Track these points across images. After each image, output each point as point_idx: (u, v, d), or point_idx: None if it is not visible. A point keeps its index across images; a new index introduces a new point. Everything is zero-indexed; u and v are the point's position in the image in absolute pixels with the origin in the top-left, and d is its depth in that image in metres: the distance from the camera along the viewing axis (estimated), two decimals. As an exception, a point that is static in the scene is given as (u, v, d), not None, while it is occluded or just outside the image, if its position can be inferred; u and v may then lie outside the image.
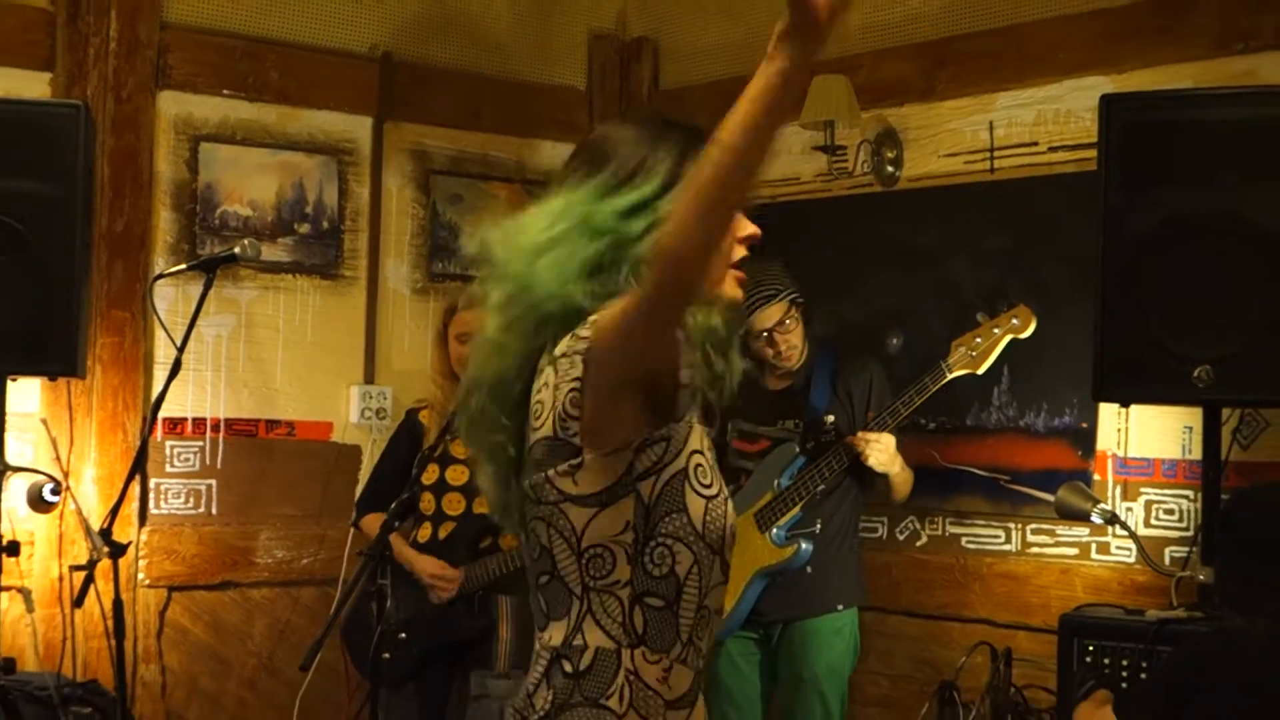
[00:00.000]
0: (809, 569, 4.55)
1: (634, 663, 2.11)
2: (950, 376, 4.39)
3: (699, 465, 2.13)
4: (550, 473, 2.11)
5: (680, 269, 1.92)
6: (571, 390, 2.07)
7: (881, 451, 4.40)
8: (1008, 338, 4.38)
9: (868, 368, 4.70)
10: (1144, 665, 3.86)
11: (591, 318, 2.08)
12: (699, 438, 2.15)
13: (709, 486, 2.14)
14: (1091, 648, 3.96)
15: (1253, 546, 3.05)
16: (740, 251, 2.23)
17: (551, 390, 2.11)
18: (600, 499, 2.09)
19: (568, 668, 2.11)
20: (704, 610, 2.16)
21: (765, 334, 4.57)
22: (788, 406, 4.67)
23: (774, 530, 4.54)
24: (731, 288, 2.23)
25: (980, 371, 4.42)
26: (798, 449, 4.58)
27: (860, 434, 4.41)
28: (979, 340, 4.38)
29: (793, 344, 4.62)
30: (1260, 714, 2.85)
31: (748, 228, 2.23)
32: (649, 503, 2.10)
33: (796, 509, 4.53)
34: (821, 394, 4.63)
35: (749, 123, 1.87)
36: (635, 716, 2.09)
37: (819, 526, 4.56)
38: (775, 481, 4.57)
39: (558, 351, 2.11)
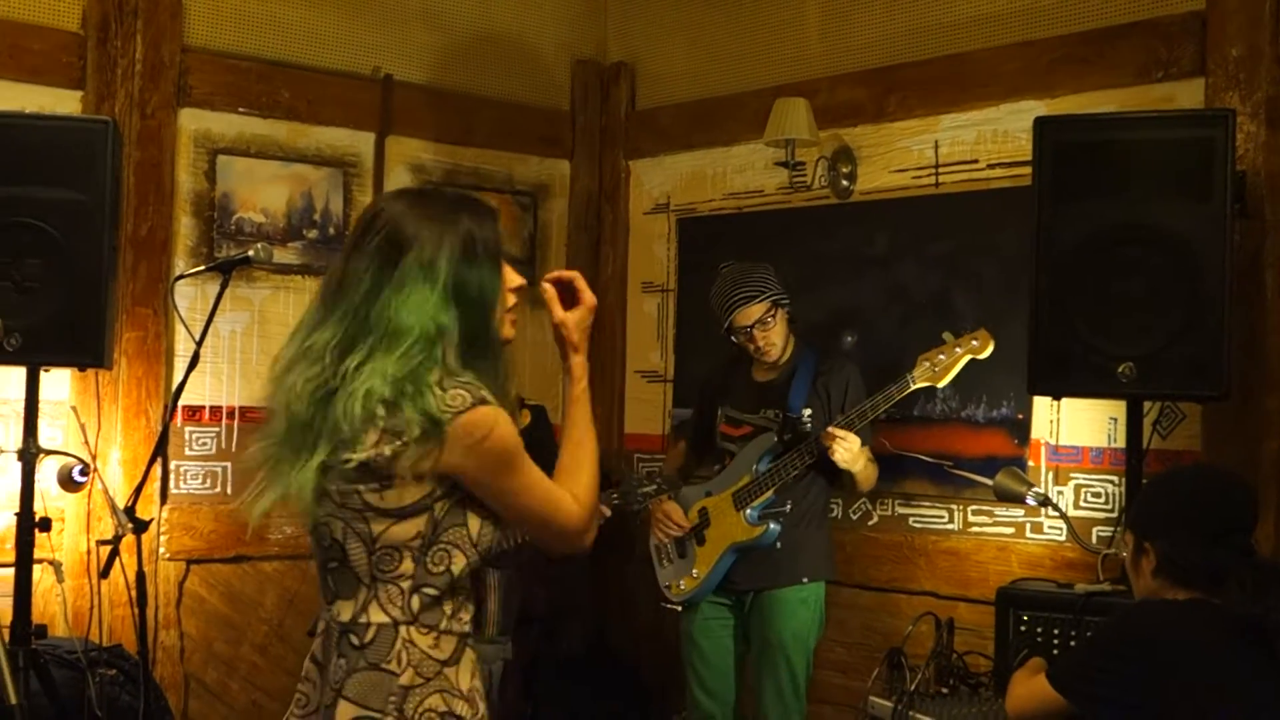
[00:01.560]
0: (779, 544, 4.56)
1: (410, 634, 2.36)
2: (914, 387, 4.39)
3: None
4: (361, 487, 2.31)
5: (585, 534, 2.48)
6: (407, 445, 2.27)
7: (846, 450, 4.39)
8: (967, 357, 4.37)
9: (845, 369, 4.68)
10: (1073, 633, 3.89)
11: (456, 404, 2.29)
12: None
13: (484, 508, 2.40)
14: (1026, 617, 3.98)
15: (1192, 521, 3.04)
16: (512, 299, 2.47)
17: (378, 431, 2.27)
18: (400, 513, 2.32)
19: (355, 640, 2.36)
20: (461, 593, 2.42)
21: (745, 330, 4.58)
22: (770, 398, 4.68)
23: (748, 510, 4.55)
24: (508, 330, 2.48)
25: (940, 385, 4.41)
26: (776, 438, 4.59)
27: (830, 429, 4.41)
28: (942, 357, 4.37)
29: (772, 341, 4.61)
30: (1184, 671, 2.86)
31: (515, 280, 2.48)
32: (439, 518, 2.35)
33: (770, 492, 4.54)
34: (801, 390, 4.62)
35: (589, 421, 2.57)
36: (414, 673, 2.35)
37: (789, 506, 4.57)
38: (754, 466, 4.58)
39: (404, 407, 2.27)
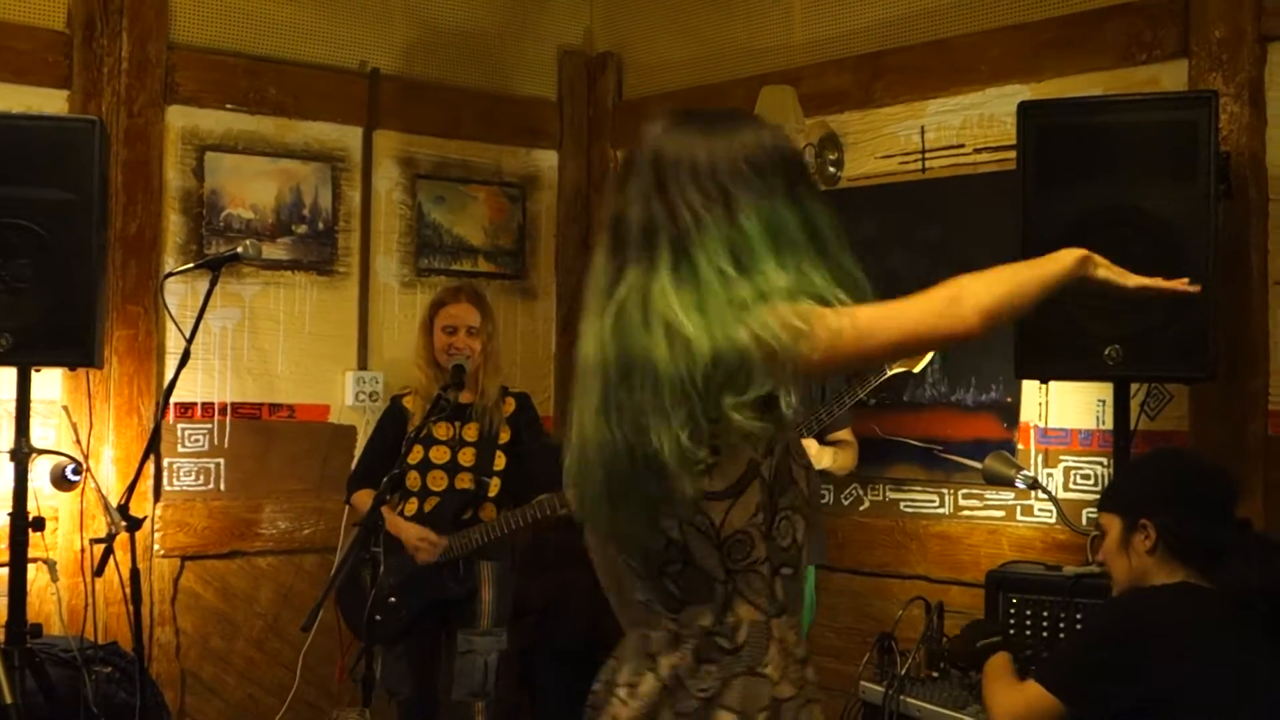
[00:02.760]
0: None
1: (780, 631, 2.13)
2: (890, 373, 4.41)
3: (793, 440, 2.15)
4: (686, 475, 2.05)
5: (972, 324, 2.08)
6: (752, 390, 2.02)
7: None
8: None
9: None
10: (1062, 615, 3.91)
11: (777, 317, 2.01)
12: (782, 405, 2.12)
13: (802, 455, 2.19)
14: (1015, 600, 4.00)
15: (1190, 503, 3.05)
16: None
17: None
18: (733, 490, 2.07)
19: (724, 644, 2.10)
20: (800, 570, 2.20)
21: None
22: None
23: None
24: None
25: (916, 370, 4.45)
26: None
27: None
28: None
29: None
30: (1185, 656, 2.86)
31: None
32: (770, 482, 2.10)
33: None
34: None
35: (1045, 289, 2.18)
36: (787, 683, 2.13)
37: None
38: None
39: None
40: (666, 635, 2.13)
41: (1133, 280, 2.29)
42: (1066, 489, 4.57)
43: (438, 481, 4.85)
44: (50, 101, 4.91)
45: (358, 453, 5.35)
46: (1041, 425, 4.65)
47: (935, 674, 3.94)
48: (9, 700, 3.61)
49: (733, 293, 2.02)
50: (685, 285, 2.04)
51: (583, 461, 2.14)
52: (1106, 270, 2.26)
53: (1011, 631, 3.95)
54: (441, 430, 4.88)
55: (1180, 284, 2.41)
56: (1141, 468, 3.33)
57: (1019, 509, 4.72)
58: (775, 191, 2.10)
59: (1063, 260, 2.20)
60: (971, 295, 2.08)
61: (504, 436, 4.94)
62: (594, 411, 2.10)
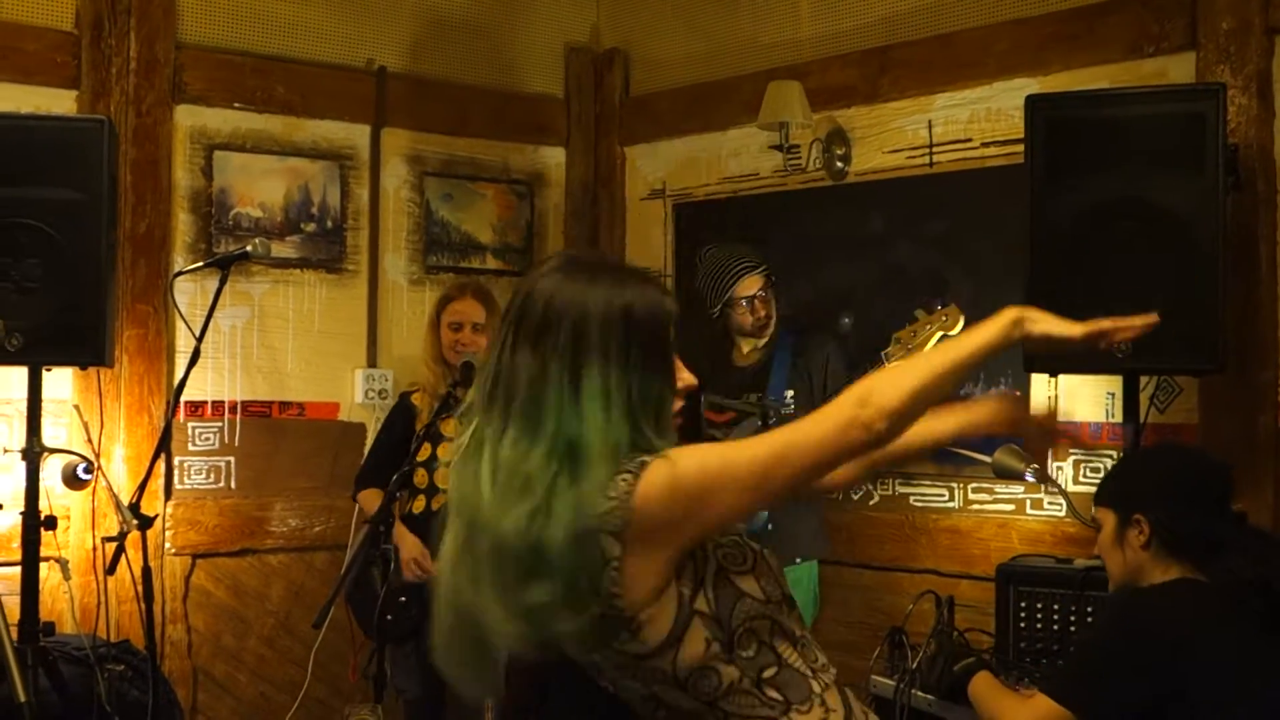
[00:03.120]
0: (769, 526, 4.57)
1: (799, 714, 2.06)
2: (888, 366, 4.42)
3: (726, 553, 2.08)
4: (616, 646, 2.02)
5: (878, 431, 1.94)
6: (610, 568, 1.95)
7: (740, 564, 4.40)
8: (939, 333, 4.39)
9: (825, 345, 4.71)
10: (1073, 608, 3.90)
11: (621, 488, 1.96)
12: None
13: (743, 562, 2.09)
14: (1026, 593, 4.00)
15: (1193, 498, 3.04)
16: (679, 402, 2.15)
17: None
18: (672, 640, 2.01)
19: None
20: (803, 640, 2.11)
21: (747, 300, 4.59)
22: (752, 381, 4.69)
23: None
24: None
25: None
26: (761, 423, 4.61)
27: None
28: (915, 334, 4.40)
29: (770, 314, 4.65)
30: (1194, 653, 2.86)
31: (687, 378, 2.17)
32: (713, 612, 2.03)
33: None
34: (781, 372, 4.65)
35: (978, 363, 2.05)
36: None
37: None
38: None
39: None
40: None
41: (1079, 329, 2.11)
42: (1076, 482, 4.56)
43: (445, 479, 4.85)
44: (59, 102, 4.92)
45: (368, 449, 5.35)
46: (1051, 418, 4.65)
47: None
48: (23, 698, 3.60)
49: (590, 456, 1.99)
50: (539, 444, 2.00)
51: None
52: (1046, 325, 2.09)
53: (1023, 625, 3.95)
54: (449, 427, 4.87)
55: (1140, 321, 2.21)
56: (1136, 462, 3.32)
57: (1028, 502, 4.72)
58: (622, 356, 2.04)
59: (993, 325, 2.07)
60: (877, 398, 1.95)
61: (512, 434, 4.93)
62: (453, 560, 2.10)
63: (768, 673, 2.06)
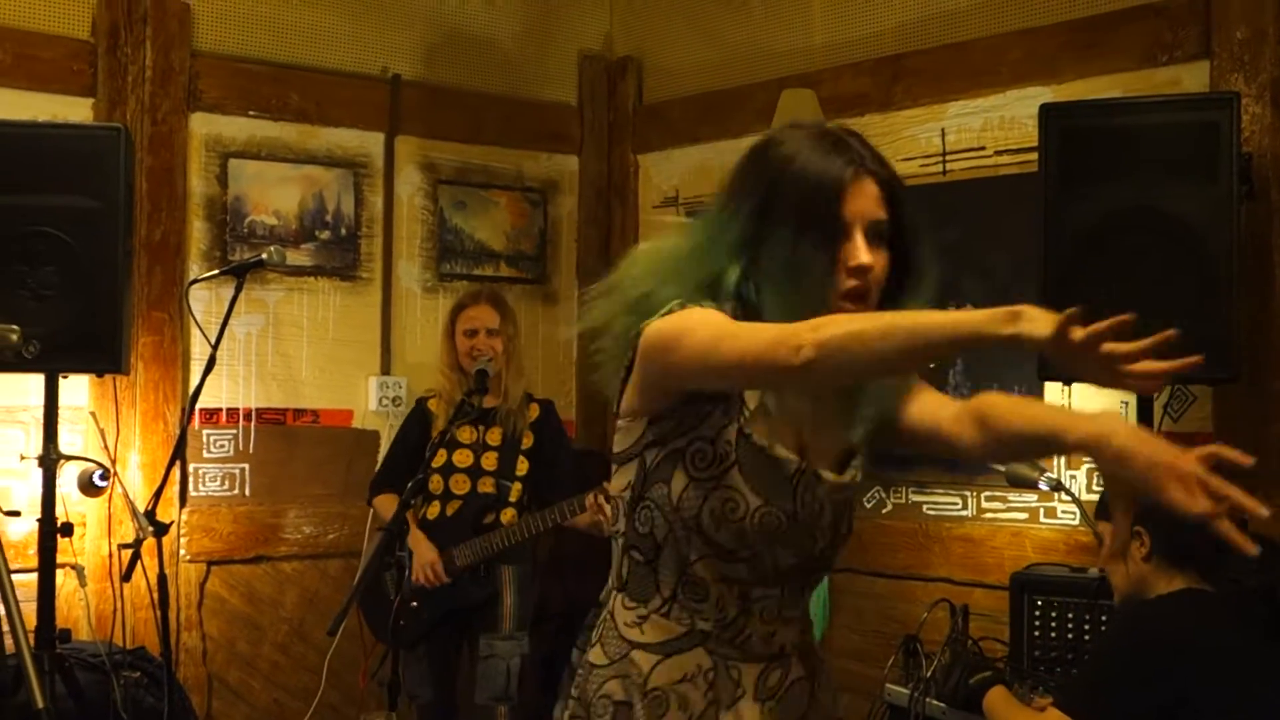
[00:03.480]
0: None
1: (614, 605, 2.20)
2: None
3: (700, 451, 2.09)
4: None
5: (819, 371, 1.83)
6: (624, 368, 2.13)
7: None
8: None
9: None
10: (1087, 617, 3.90)
11: (664, 312, 2.05)
12: (730, 433, 2.08)
13: (703, 471, 2.08)
14: (1040, 602, 4.00)
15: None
16: (850, 282, 2.06)
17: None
18: (620, 458, 2.17)
19: (601, 599, 2.25)
20: (689, 576, 2.13)
21: None
22: None
23: None
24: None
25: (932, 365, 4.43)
26: None
27: None
28: None
29: None
30: (1204, 662, 2.85)
31: (861, 257, 2.06)
32: (648, 469, 2.12)
33: None
34: None
35: (951, 341, 1.80)
36: (600, 651, 2.19)
37: None
38: None
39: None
40: None
41: (1079, 334, 1.74)
42: (1089, 490, 4.55)
43: (460, 485, 4.87)
44: (75, 110, 4.94)
45: (381, 457, 5.36)
46: (1064, 427, 4.63)
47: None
48: (40, 705, 3.61)
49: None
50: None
51: None
52: (1045, 327, 1.74)
53: (1037, 634, 3.95)
54: (465, 434, 4.90)
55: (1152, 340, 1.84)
56: None
57: (1042, 511, 4.71)
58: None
59: (985, 312, 1.76)
60: (822, 329, 1.82)
61: (527, 441, 4.95)
62: None
63: (635, 554, 2.17)
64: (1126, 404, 4.44)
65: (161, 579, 4.22)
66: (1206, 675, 2.83)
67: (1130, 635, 3.00)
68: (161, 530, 4.24)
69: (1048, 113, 4.01)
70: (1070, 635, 3.92)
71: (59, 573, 4.27)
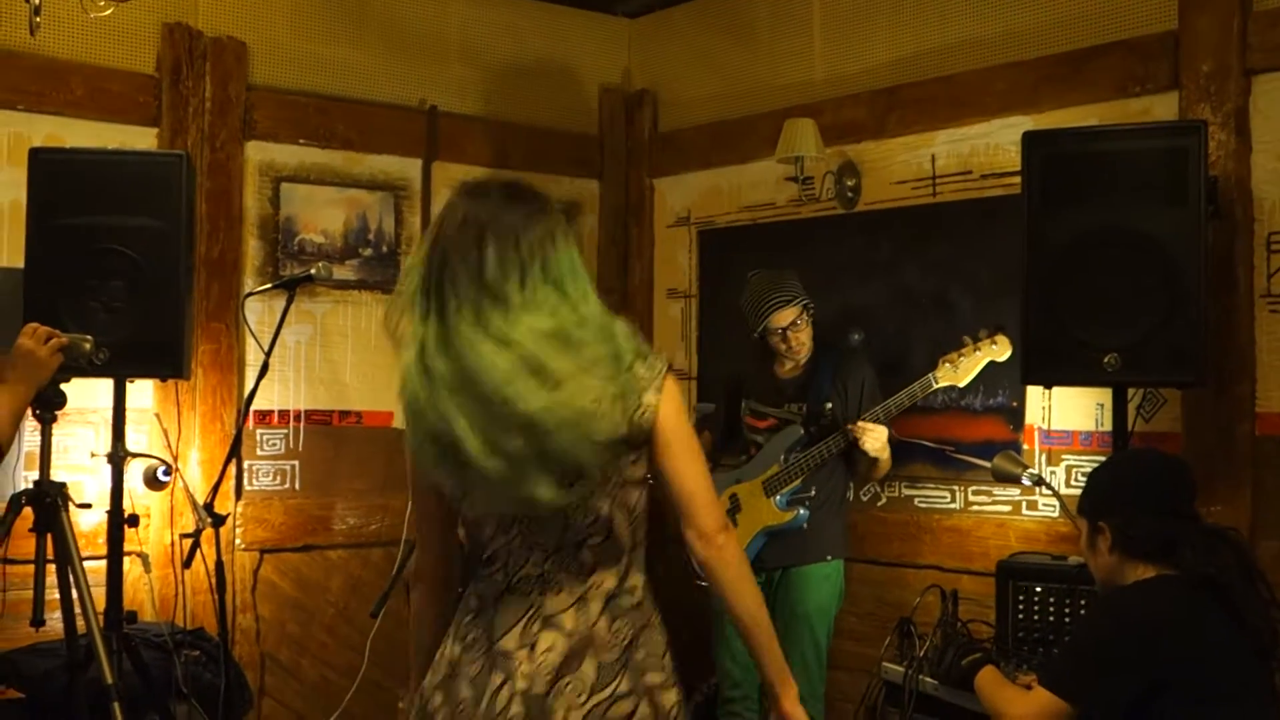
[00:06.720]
0: (805, 526, 4.57)
1: (649, 589, 2.45)
2: (936, 386, 4.39)
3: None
4: (622, 460, 2.30)
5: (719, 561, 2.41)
6: (647, 410, 2.30)
7: (875, 440, 4.41)
8: (987, 359, 4.36)
9: (862, 369, 4.67)
10: (1067, 601, 3.90)
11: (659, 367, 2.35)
12: None
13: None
14: (1023, 587, 4.00)
15: (1152, 501, 3.03)
16: None
17: (617, 402, 2.26)
18: (644, 482, 2.36)
19: (627, 602, 2.37)
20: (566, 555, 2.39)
21: (780, 331, 4.59)
22: (792, 393, 4.69)
23: (778, 497, 4.55)
24: None
25: (962, 384, 4.39)
26: (801, 430, 4.60)
27: (859, 423, 4.42)
28: (963, 358, 4.36)
29: (801, 341, 4.63)
30: (1178, 642, 2.85)
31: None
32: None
33: (798, 481, 4.54)
34: (824, 386, 4.62)
35: (764, 663, 2.57)
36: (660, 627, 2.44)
37: (813, 492, 4.58)
38: (782, 456, 4.58)
39: (635, 374, 2.31)
40: (568, 597, 2.35)
41: None
42: (1068, 485, 4.55)
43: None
44: (141, 138, 4.96)
45: (419, 455, 5.36)
46: (1045, 427, 4.64)
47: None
48: (109, 680, 3.66)
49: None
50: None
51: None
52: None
53: (1020, 616, 3.94)
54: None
55: None
56: (1101, 472, 3.29)
57: (1024, 504, 4.71)
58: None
59: (788, 681, 2.62)
60: (733, 543, 2.43)
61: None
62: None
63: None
64: (1102, 406, 4.44)
65: (219, 565, 4.24)
66: (1180, 656, 2.82)
67: (1108, 619, 3.00)
68: (219, 521, 4.26)
69: (1030, 140, 4.00)
70: (1051, 618, 3.92)
71: (126, 560, 4.29)
